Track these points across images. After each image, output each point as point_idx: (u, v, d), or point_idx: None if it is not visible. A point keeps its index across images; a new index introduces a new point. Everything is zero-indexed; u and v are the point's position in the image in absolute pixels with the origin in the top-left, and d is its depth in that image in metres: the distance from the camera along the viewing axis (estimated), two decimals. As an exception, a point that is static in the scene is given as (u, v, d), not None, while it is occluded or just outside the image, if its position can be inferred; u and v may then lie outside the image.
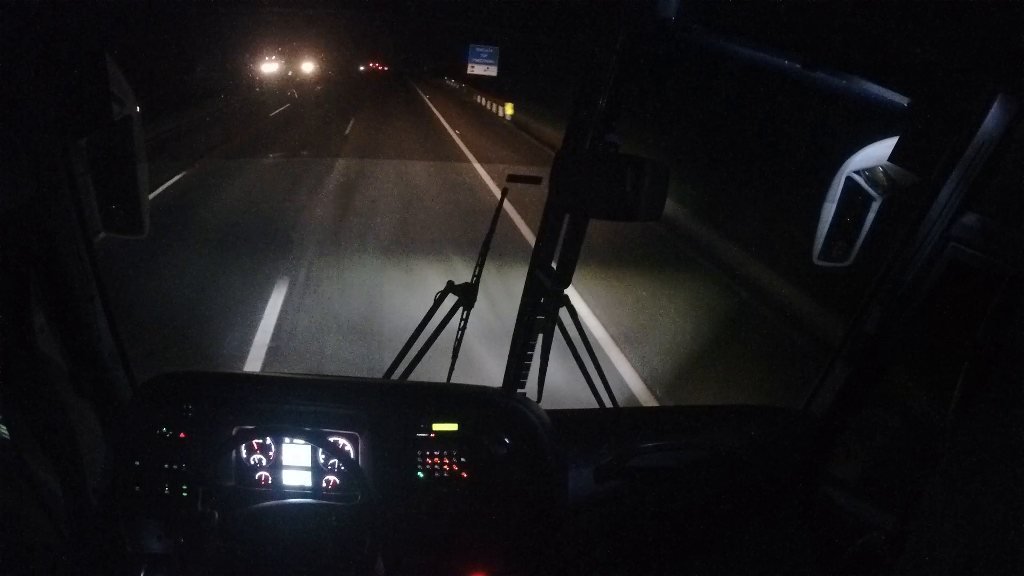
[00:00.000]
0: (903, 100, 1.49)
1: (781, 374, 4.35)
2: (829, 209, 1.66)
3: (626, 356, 4.58)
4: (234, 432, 1.62)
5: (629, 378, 4.29)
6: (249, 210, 7.88)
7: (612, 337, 4.85)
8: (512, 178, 1.95)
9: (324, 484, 1.68)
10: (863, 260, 1.68)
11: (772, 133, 8.43)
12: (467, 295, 1.89)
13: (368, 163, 11.64)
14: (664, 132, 8.73)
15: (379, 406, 1.72)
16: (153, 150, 10.20)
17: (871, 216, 1.61)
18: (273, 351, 4.32)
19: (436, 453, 1.70)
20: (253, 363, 4.15)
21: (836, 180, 1.64)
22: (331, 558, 1.51)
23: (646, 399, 4.06)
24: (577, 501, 1.72)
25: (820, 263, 1.71)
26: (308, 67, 27.23)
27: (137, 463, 1.60)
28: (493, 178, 10.82)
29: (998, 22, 1.03)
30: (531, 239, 4.18)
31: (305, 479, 1.68)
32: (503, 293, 4.91)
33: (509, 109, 19.85)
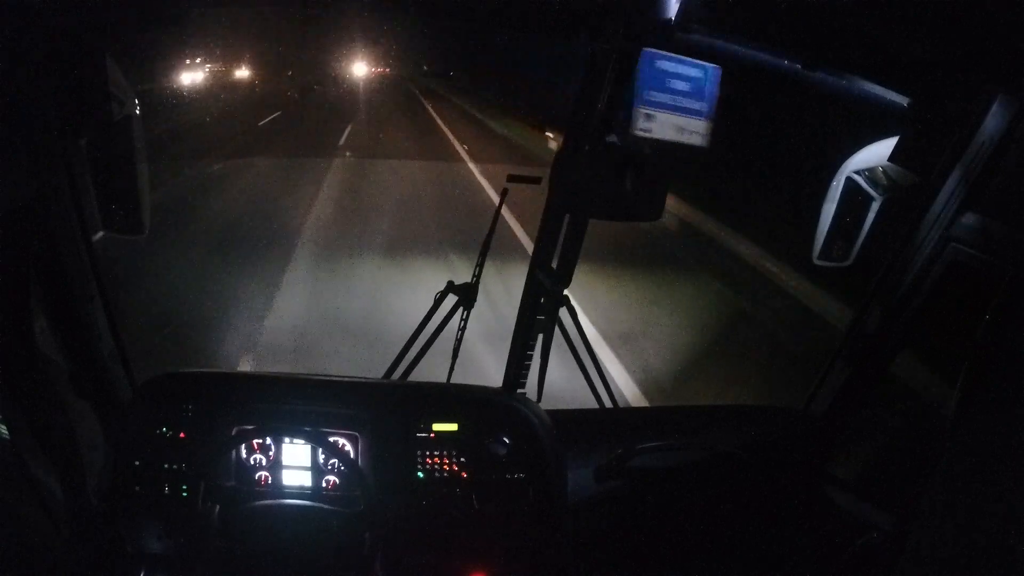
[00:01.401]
0: (903, 100, 1.49)
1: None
2: (829, 209, 1.66)
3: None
4: (234, 432, 1.62)
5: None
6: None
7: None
8: (512, 178, 1.94)
9: (324, 484, 1.68)
10: (863, 260, 1.68)
11: (772, 133, 8.42)
12: (467, 295, 1.90)
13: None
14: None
15: (379, 406, 1.72)
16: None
17: (871, 216, 1.61)
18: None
19: (436, 453, 1.70)
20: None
21: (836, 180, 1.64)
22: (331, 558, 1.51)
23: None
24: (577, 501, 1.72)
25: (820, 263, 1.70)
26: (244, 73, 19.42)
27: (137, 463, 1.59)
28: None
29: (998, 22, 1.03)
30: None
31: (305, 479, 1.68)
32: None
33: None
